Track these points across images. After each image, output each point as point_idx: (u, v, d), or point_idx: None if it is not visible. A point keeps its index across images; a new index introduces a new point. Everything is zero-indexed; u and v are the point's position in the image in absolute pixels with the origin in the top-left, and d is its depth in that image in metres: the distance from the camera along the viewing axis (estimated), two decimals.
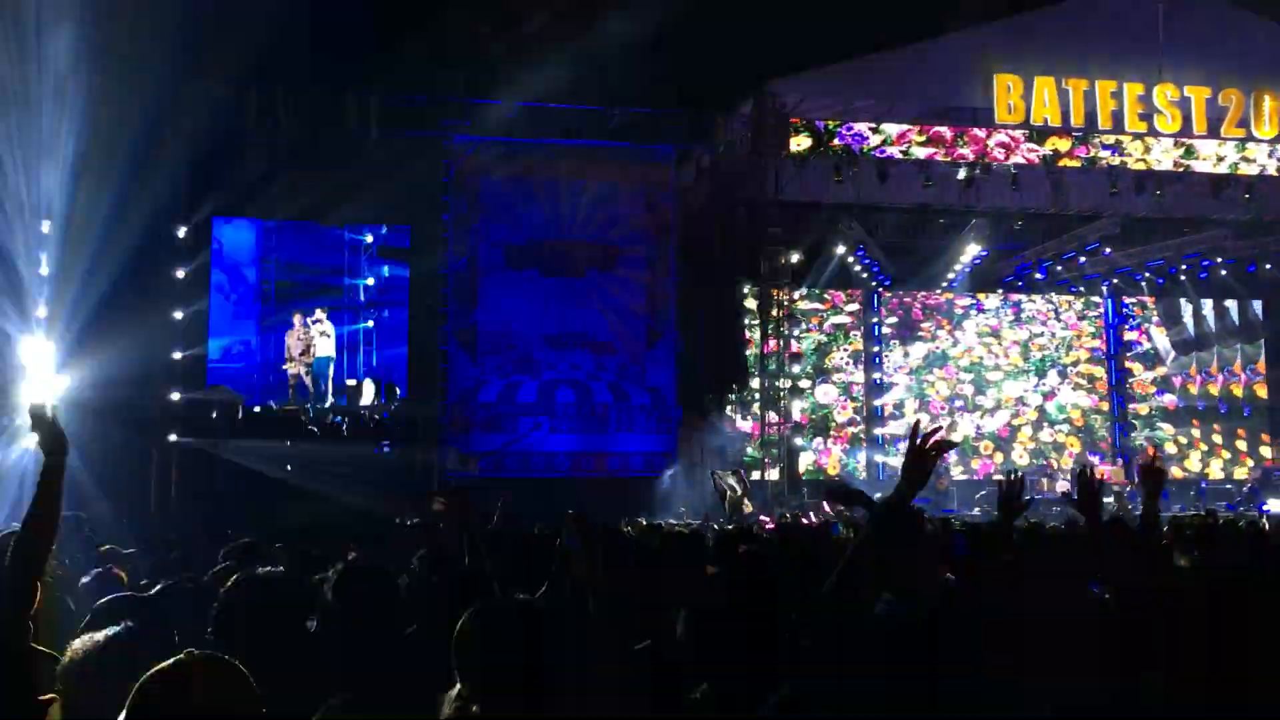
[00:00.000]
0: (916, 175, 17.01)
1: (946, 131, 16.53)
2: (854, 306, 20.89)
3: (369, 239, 16.90)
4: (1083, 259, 19.65)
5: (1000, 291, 21.28)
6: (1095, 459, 20.33)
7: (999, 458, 20.48)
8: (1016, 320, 21.48)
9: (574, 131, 16.57)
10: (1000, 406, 20.96)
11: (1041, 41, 16.54)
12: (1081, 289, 21.41)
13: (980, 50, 16.53)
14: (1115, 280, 21.11)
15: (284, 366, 16.27)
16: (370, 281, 16.99)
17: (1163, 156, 17.04)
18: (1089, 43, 16.44)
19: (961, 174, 16.98)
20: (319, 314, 16.22)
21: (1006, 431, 20.82)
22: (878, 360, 20.89)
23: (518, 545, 5.03)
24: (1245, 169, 17.01)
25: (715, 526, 10.95)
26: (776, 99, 16.44)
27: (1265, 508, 16.48)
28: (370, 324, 16.95)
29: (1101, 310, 21.93)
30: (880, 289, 20.88)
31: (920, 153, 16.51)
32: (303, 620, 2.82)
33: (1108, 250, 19.37)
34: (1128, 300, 21.92)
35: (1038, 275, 20.63)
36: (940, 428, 2.94)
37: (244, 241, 16.53)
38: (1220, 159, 16.95)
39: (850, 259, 19.59)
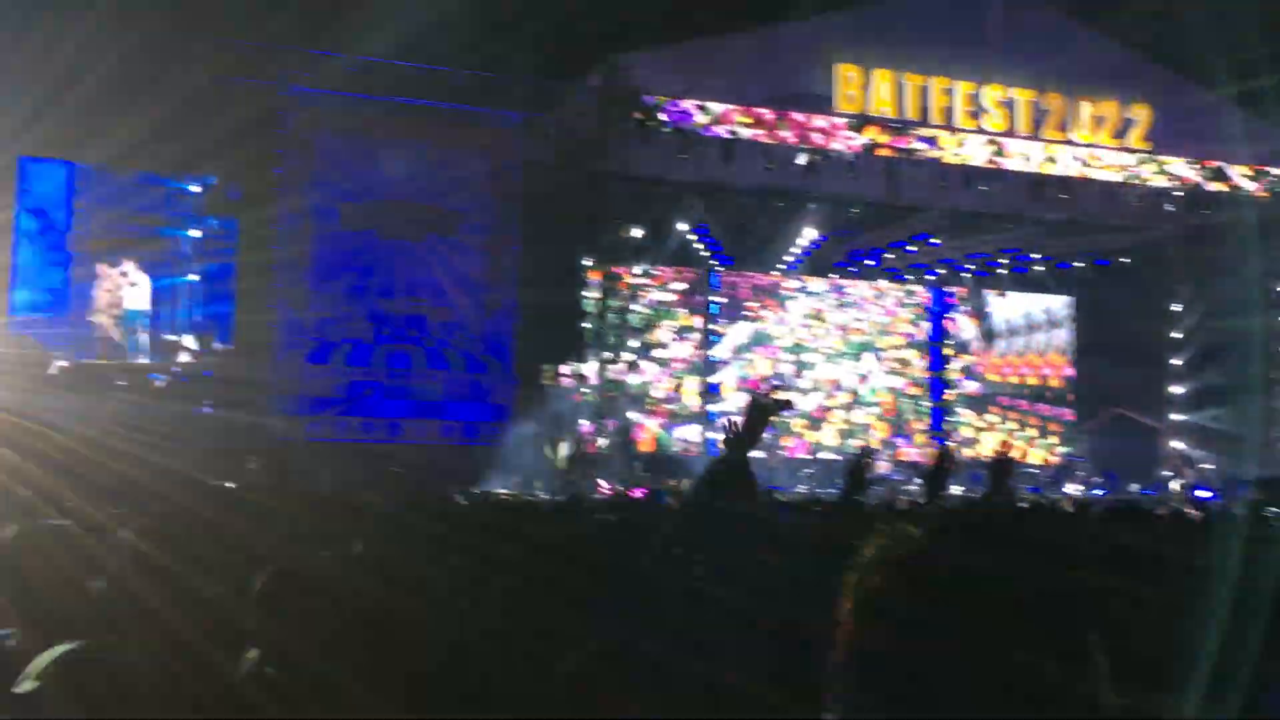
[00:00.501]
0: (760, 158, 17.27)
1: (767, 114, 16.60)
2: (680, 285, 21.09)
3: (196, 189, 16.15)
4: (912, 248, 20.40)
5: (833, 276, 21.90)
6: (901, 441, 21.21)
7: (811, 436, 21.03)
8: (840, 304, 22.11)
9: (417, 91, 16.19)
10: (817, 388, 21.54)
11: (882, 35, 17.00)
12: (910, 277, 22.26)
13: (824, 39, 16.90)
14: (941, 270, 22.02)
15: (89, 318, 15.40)
16: (197, 234, 16.25)
17: (975, 153, 17.55)
18: (926, 40, 16.98)
19: (803, 159, 17.30)
20: (126, 264, 15.41)
21: (820, 413, 21.41)
22: (714, 339, 21.23)
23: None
24: (1048, 168, 17.77)
25: (546, 495, 10.94)
26: (625, 73, 16.42)
27: (1064, 490, 17.54)
28: (196, 278, 16.23)
29: (920, 298, 22.79)
30: (720, 268, 21.22)
31: (745, 134, 16.56)
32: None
33: (935, 241, 20.15)
34: (950, 290, 22.91)
35: (870, 262, 21.31)
36: (781, 385, 3.00)
37: (55, 185, 15.54)
38: (1027, 158, 17.65)
39: (691, 237, 19.82)
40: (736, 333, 21.44)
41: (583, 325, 17.85)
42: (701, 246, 20.23)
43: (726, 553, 2.50)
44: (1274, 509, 6.34)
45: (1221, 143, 18.36)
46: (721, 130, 16.54)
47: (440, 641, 2.36)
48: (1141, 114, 17.51)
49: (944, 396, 22.54)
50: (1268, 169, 18.67)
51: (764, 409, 2.65)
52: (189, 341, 15.74)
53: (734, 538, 2.51)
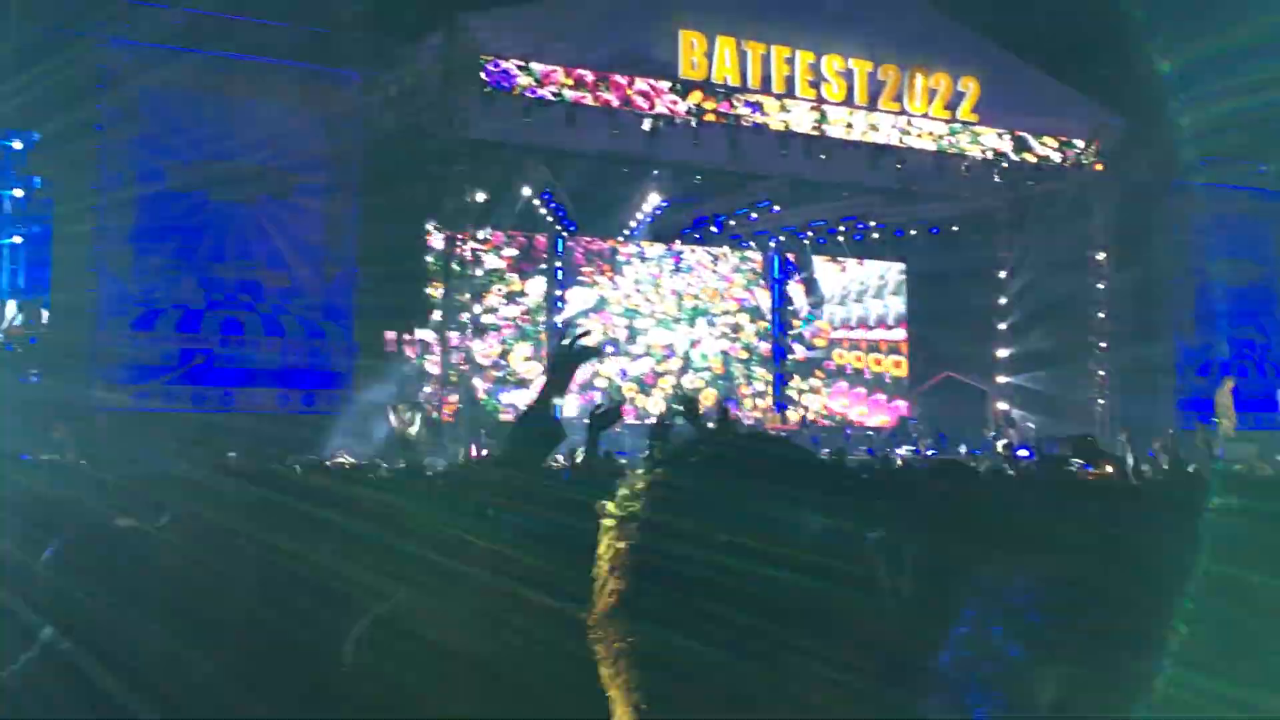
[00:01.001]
0: (604, 122, 17.23)
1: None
2: (512, 251, 20.98)
3: (18, 146, 15.20)
4: (754, 215, 20.76)
5: (676, 241, 22.13)
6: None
7: (641, 400, 21.26)
8: (676, 270, 22.35)
9: (250, 47, 15.57)
10: (648, 353, 21.76)
11: (726, 2, 17.13)
12: (752, 244, 22.67)
13: (669, 4, 16.91)
14: (782, 237, 22.50)
15: None
16: (19, 193, 15.32)
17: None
18: (768, 8, 17.19)
19: (646, 125, 17.32)
20: None
21: (652, 378, 21.63)
22: (559, 304, 21.21)
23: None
24: (870, 137, 18.25)
25: (386, 465, 10.76)
26: (468, 33, 16.11)
27: (898, 452, 18.22)
28: (18, 240, 15.31)
29: (754, 264, 23.20)
30: (565, 233, 21.18)
31: (569, 95, 16.38)
32: None
33: (776, 208, 20.53)
34: (790, 257, 23.43)
35: (714, 229, 21.60)
36: (588, 332, 2.99)
37: None
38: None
39: (536, 202, 19.71)
40: (580, 298, 21.46)
41: (425, 291, 17.57)
42: (547, 212, 20.14)
43: (528, 511, 2.49)
44: (1079, 464, 6.72)
45: (1047, 116, 19.20)
46: (546, 92, 16.32)
47: (239, 604, 2.30)
48: (971, 86, 18.12)
49: (785, 361, 23.10)
50: (1089, 142, 19.59)
51: (570, 357, 2.64)
52: (11, 308, 14.88)
53: (527, 497, 2.51)
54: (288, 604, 2.35)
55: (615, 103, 16.59)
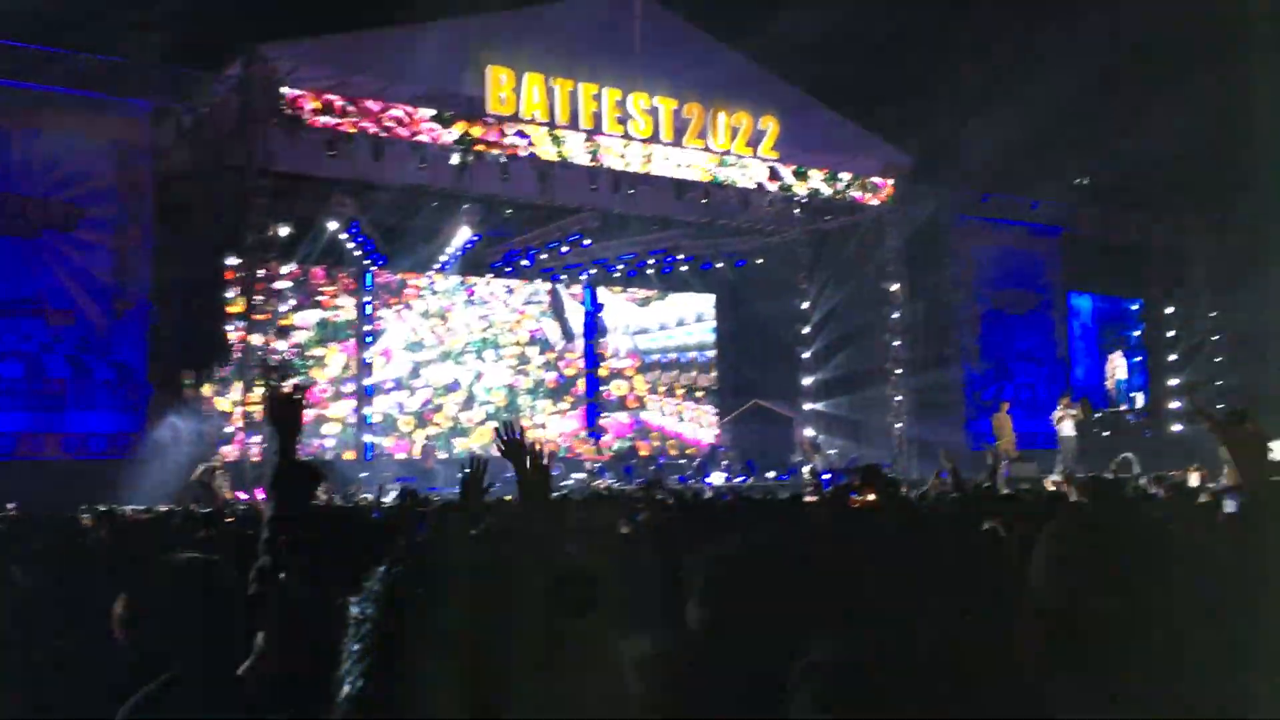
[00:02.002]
0: (411, 155, 17.07)
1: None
2: (332, 285, 20.54)
3: None
4: (565, 249, 20.92)
5: (489, 275, 22.10)
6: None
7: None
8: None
9: (32, 74, 14.76)
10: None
11: (532, 39, 17.25)
12: (564, 277, 22.82)
13: (476, 40, 16.93)
14: (593, 270, 22.74)
15: None
16: None
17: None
18: (575, 45, 17.41)
19: (455, 159, 17.26)
20: None
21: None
22: (370, 339, 20.83)
23: None
24: (683, 175, 18.69)
25: (181, 509, 10.33)
26: (268, 63, 15.72)
27: (709, 480, 18.62)
28: None
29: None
30: (375, 268, 20.84)
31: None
32: None
33: (587, 242, 20.76)
34: (599, 289, 23.70)
35: (525, 262, 21.64)
36: (294, 370, 2.90)
37: None
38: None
39: (343, 236, 19.34)
40: (391, 333, 21.15)
41: (224, 328, 16.95)
42: (354, 246, 19.78)
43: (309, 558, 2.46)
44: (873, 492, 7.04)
45: (842, 154, 20.10)
46: (347, 124, 16.01)
47: None
48: (771, 125, 18.79)
49: (598, 392, 23.29)
50: (882, 180, 20.58)
51: (283, 402, 2.58)
52: None
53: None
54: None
55: (372, 129, 16.21)
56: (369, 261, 20.48)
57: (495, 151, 17.09)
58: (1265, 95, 18.83)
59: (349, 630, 1.14)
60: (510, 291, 22.71)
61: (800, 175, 19.53)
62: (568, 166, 17.79)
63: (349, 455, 20.02)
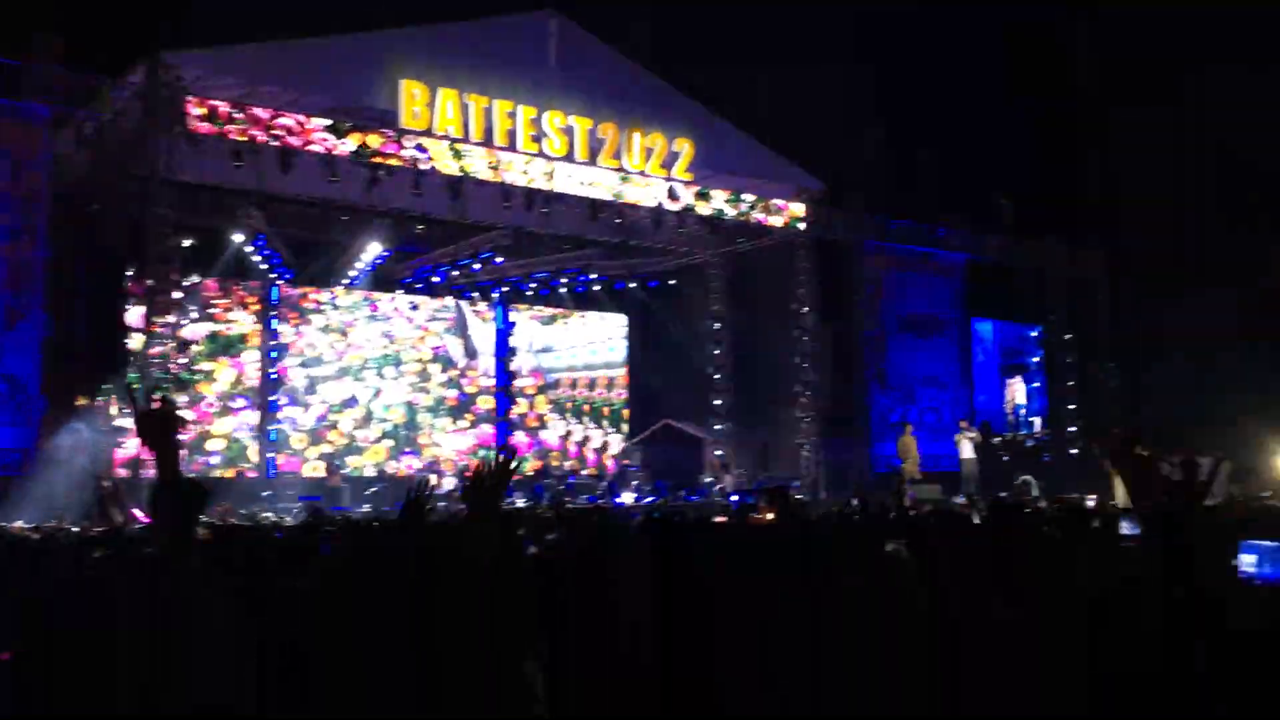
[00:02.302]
0: (321, 168, 16.82)
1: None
2: (220, 299, 20.11)
3: None
4: (477, 266, 20.78)
5: (398, 292, 21.84)
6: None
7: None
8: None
9: None
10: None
11: (447, 55, 17.16)
12: (475, 294, 22.66)
13: (389, 54, 16.77)
14: (505, 288, 22.63)
15: None
16: None
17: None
18: (491, 63, 17.36)
19: (366, 173, 17.04)
20: None
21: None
22: (274, 355, 20.42)
23: None
24: (590, 193, 18.69)
25: (77, 528, 9.98)
26: (173, 70, 15.35)
27: (619, 499, 18.60)
28: None
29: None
30: (281, 282, 20.46)
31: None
32: None
33: (499, 260, 20.65)
34: (513, 307, 23.58)
35: (436, 279, 21.45)
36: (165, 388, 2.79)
37: None
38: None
39: (249, 248, 18.96)
40: (290, 348, 20.75)
41: (123, 341, 16.46)
42: (261, 259, 19.40)
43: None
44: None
45: (755, 178, 20.34)
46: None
47: None
48: (686, 147, 18.93)
49: (508, 411, 23.14)
50: (784, 202, 20.84)
51: (154, 421, 2.47)
52: None
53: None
54: None
55: (263, 138, 15.88)
56: (275, 275, 20.08)
57: (395, 163, 16.83)
58: (1161, 130, 19.61)
59: (265, 650, 1.10)
60: (415, 307, 22.41)
61: (703, 196, 19.65)
62: (480, 183, 17.70)
63: (233, 473, 19.47)
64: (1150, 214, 21.81)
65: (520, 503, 18.01)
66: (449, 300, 22.59)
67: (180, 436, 2.47)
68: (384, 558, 2.68)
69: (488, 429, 22.86)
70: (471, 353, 22.89)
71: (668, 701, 2.54)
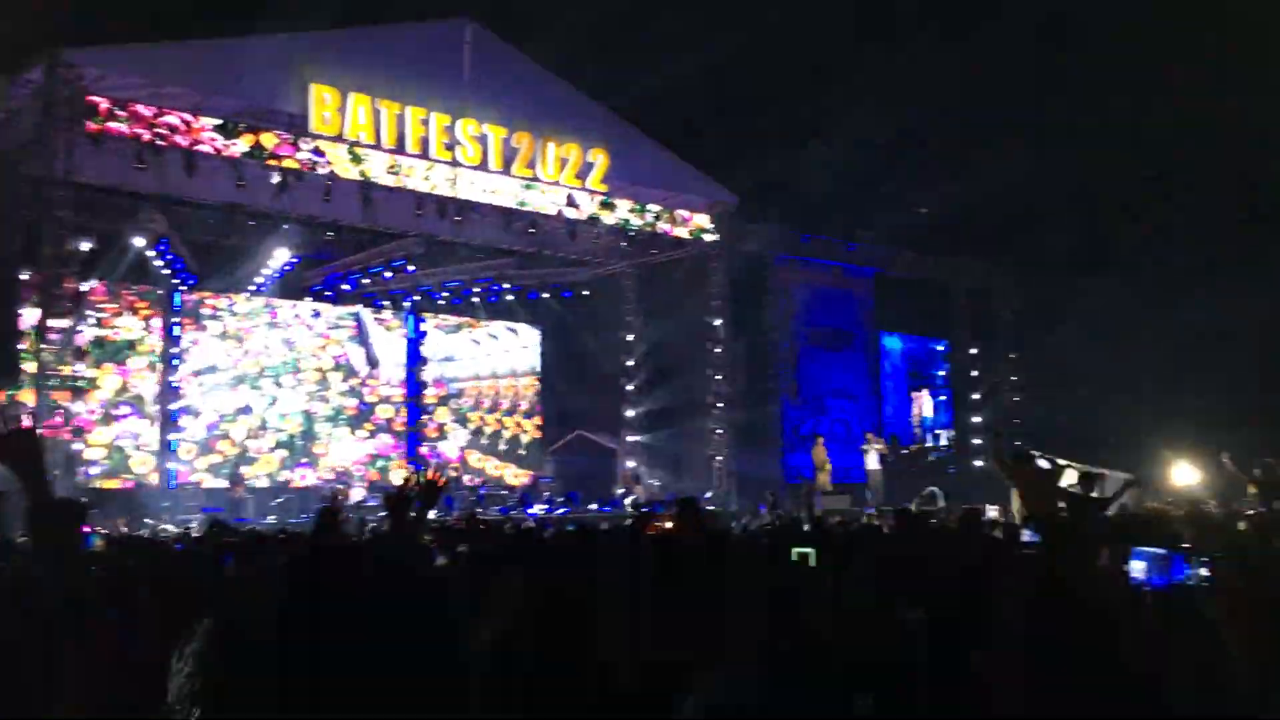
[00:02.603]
0: (228, 172, 16.47)
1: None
2: (120, 305, 19.45)
3: None
4: (388, 274, 20.52)
5: (308, 299, 21.43)
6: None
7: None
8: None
9: None
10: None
11: (360, 59, 16.93)
12: (386, 303, 22.35)
13: (299, 56, 16.50)
14: (417, 297, 22.37)
15: None
16: None
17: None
18: (404, 69, 17.17)
19: (275, 178, 16.73)
20: None
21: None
22: (175, 362, 19.90)
23: None
24: (505, 201, 18.59)
25: None
26: (74, 69, 14.91)
27: (531, 511, 18.49)
28: None
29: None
30: (184, 287, 19.94)
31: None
32: None
33: (412, 268, 20.42)
34: (424, 316, 23.32)
35: (346, 286, 21.12)
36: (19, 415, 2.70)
37: None
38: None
39: (151, 253, 18.46)
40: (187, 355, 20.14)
41: (19, 347, 15.88)
42: (163, 264, 18.90)
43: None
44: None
45: (670, 190, 20.45)
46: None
47: None
48: (600, 158, 18.95)
49: (419, 421, 22.85)
50: (689, 213, 20.97)
51: (19, 442, 2.35)
52: None
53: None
54: None
55: (147, 137, 15.49)
56: (178, 281, 19.58)
57: (292, 165, 16.47)
58: (1070, 148, 20.20)
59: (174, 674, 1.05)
60: (317, 315, 21.86)
61: (606, 205, 19.67)
62: (393, 190, 17.49)
63: (116, 483, 18.82)
64: (1052, 229, 22.44)
65: (430, 514, 17.80)
66: (352, 308, 22.11)
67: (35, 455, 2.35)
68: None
69: (388, 439, 22.41)
70: (373, 361, 22.40)
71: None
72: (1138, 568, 4.95)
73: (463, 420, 23.62)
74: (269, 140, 16.28)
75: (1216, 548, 5.15)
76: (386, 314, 22.72)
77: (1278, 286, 19.05)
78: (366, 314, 22.35)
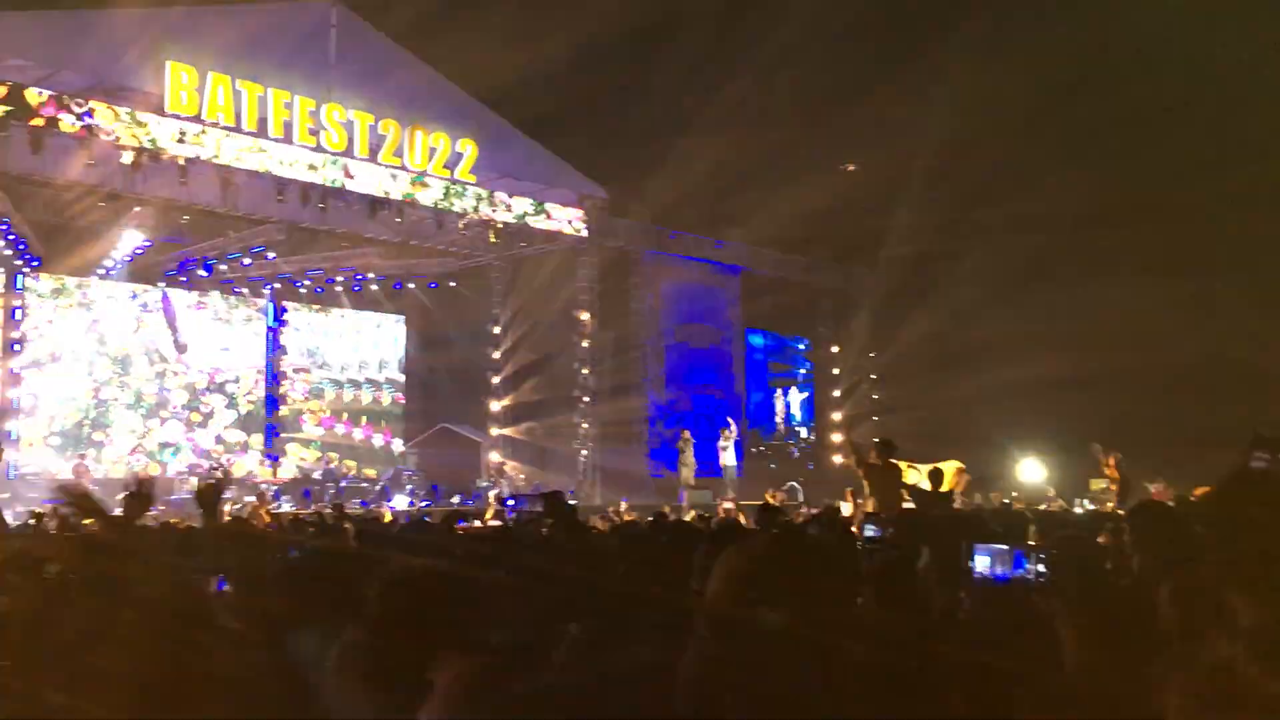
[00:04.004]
0: (78, 151, 15.75)
1: None
2: None
3: None
4: (247, 260, 19.93)
5: (162, 284, 20.58)
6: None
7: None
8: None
9: None
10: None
11: (220, 38, 16.35)
12: (245, 290, 21.68)
13: (155, 32, 15.84)
14: (277, 285, 21.76)
15: None
16: None
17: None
18: (267, 50, 16.66)
19: (127, 158, 16.05)
20: None
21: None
22: (16, 347, 18.92)
23: None
24: (370, 189, 18.11)
25: None
26: None
27: (392, 503, 18.23)
28: None
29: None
30: (28, 269, 18.99)
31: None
32: None
33: (272, 255, 19.87)
34: (285, 305, 22.71)
35: (202, 272, 20.41)
36: None
37: None
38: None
39: None
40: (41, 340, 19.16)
41: None
42: (4, 244, 17.98)
43: None
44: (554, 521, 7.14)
45: (539, 182, 20.38)
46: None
47: None
48: (469, 148, 18.73)
49: (276, 412, 22.22)
50: (566, 209, 20.96)
51: None
52: None
53: None
54: None
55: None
56: (21, 263, 18.63)
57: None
58: (926, 151, 20.79)
59: None
60: (134, 296, 20.43)
61: (496, 200, 19.55)
62: (255, 175, 16.98)
63: None
64: (908, 229, 23.05)
65: (287, 506, 17.42)
66: (162, 290, 20.68)
67: None
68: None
69: (178, 426, 21.12)
70: (180, 347, 21.09)
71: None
72: (981, 563, 5.17)
73: (320, 409, 23.04)
74: (33, 98, 15.15)
75: (1053, 543, 5.42)
76: (233, 299, 21.60)
77: (1125, 279, 19.90)
78: (174, 296, 21.05)
